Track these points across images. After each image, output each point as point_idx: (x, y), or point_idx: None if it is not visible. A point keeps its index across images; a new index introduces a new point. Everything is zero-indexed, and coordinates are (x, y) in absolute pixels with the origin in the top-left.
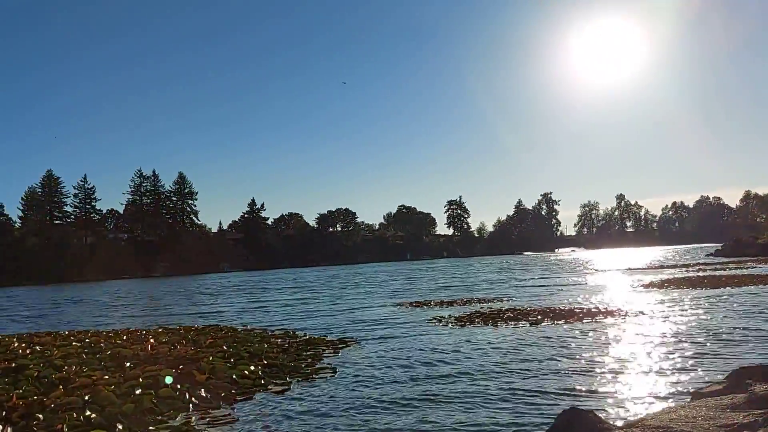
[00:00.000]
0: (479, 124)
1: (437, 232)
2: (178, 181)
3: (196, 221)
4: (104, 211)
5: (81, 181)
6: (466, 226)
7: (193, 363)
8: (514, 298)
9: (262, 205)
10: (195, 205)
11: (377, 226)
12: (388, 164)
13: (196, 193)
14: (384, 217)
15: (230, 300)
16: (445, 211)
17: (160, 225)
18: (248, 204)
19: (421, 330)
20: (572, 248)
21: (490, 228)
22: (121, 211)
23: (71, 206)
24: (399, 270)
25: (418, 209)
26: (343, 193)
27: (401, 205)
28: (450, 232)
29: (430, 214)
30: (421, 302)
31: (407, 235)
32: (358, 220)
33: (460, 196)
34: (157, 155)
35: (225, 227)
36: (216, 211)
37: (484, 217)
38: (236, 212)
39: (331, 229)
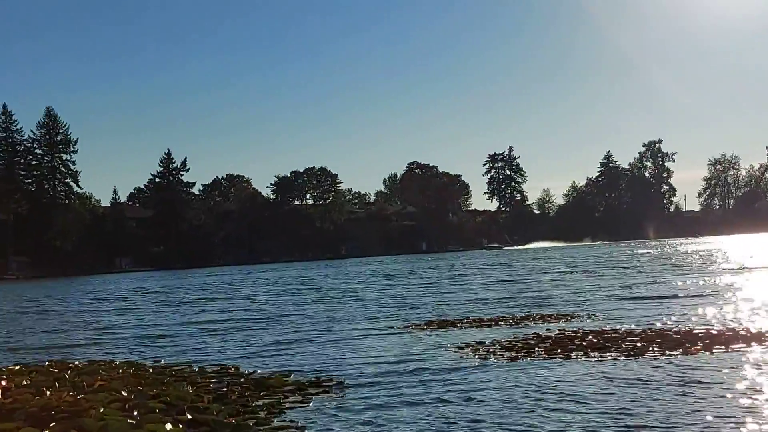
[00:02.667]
0: (540, 23)
1: (472, 207)
2: (45, 122)
3: (77, 189)
4: None
5: None
6: (519, 197)
7: (72, 418)
8: (597, 314)
9: (184, 163)
10: (74, 163)
11: (373, 197)
12: (389, 97)
13: (76, 142)
14: (384, 181)
15: (132, 318)
16: (486, 172)
17: (14, 195)
18: (161, 161)
19: (444, 365)
20: (696, 234)
21: (559, 199)
22: None
23: None
24: (409, 268)
25: (441, 168)
26: (315, 145)
27: (412, 163)
28: (493, 205)
29: (460, 176)
30: (446, 321)
31: (423, 212)
32: (342, 186)
33: (511, 148)
34: (15, 86)
35: (123, 199)
36: (109, 175)
37: (548, 181)
38: (141, 177)
39: (297, 202)
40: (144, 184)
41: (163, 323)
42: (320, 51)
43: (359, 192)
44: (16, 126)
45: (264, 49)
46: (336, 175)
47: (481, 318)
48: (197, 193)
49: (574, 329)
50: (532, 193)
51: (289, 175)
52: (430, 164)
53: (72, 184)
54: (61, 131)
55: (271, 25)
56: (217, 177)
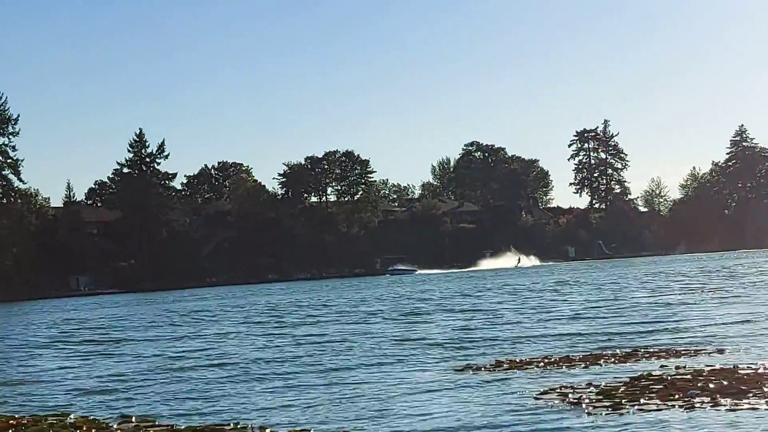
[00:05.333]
0: None
1: (552, 203)
2: None
3: (18, 184)
4: None
5: None
6: (619, 189)
7: None
8: (732, 346)
9: (161, 147)
10: (14, 149)
11: (417, 192)
12: (435, 58)
13: (17, 120)
14: (433, 170)
15: (85, 355)
16: (573, 156)
17: None
18: (130, 144)
19: (516, 419)
20: None
21: (675, 192)
22: None
23: None
24: (465, 287)
25: (510, 151)
26: (338, 123)
27: (471, 144)
28: (583, 200)
29: (537, 162)
30: (518, 360)
31: (486, 210)
32: (376, 177)
33: (606, 123)
34: None
35: (80, 197)
36: (61, 166)
37: (657, 167)
38: (104, 168)
39: (315, 199)
40: (108, 177)
41: (124, 367)
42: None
43: (399, 185)
44: None
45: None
46: (367, 161)
47: (568, 355)
48: (179, 188)
49: (698, 367)
50: (636, 184)
51: (303, 162)
52: (496, 145)
53: (12, 177)
54: None
55: None
56: (205, 166)
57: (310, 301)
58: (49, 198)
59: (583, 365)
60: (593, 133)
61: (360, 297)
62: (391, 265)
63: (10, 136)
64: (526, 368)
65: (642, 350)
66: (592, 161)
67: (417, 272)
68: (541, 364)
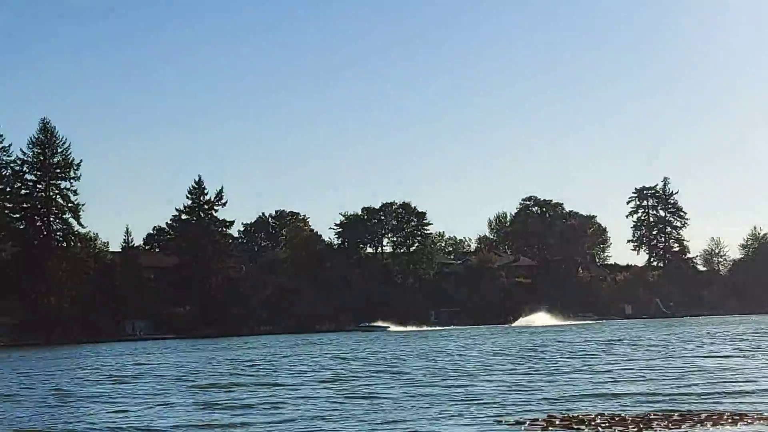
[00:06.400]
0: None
1: (609, 260)
2: (39, 138)
3: (78, 228)
4: None
5: None
6: (677, 248)
7: None
8: None
9: (219, 195)
10: (75, 193)
11: (473, 245)
12: (495, 110)
13: (79, 166)
14: (489, 223)
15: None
16: (631, 213)
17: None
18: (189, 191)
19: None
20: None
21: (735, 252)
22: None
23: None
24: (520, 341)
25: (568, 207)
26: (395, 175)
27: (528, 198)
28: (641, 258)
29: (594, 218)
30: (572, 417)
31: (543, 265)
32: (432, 229)
33: (666, 180)
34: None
35: (138, 242)
36: (120, 211)
37: (716, 226)
38: (162, 214)
39: (370, 249)
40: (166, 223)
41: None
42: (405, 54)
43: (455, 237)
44: (1, 142)
45: (331, 52)
46: (423, 213)
47: (622, 415)
48: (236, 235)
49: None
50: (695, 243)
51: (359, 213)
52: (554, 201)
53: (72, 221)
54: (59, 151)
55: (346, 24)
56: (262, 215)
57: (355, 354)
58: (107, 242)
59: (634, 428)
60: (652, 191)
61: (411, 350)
62: (365, 322)
63: (72, 181)
64: (579, 427)
65: (699, 414)
66: (651, 219)
67: (390, 329)
68: (593, 422)
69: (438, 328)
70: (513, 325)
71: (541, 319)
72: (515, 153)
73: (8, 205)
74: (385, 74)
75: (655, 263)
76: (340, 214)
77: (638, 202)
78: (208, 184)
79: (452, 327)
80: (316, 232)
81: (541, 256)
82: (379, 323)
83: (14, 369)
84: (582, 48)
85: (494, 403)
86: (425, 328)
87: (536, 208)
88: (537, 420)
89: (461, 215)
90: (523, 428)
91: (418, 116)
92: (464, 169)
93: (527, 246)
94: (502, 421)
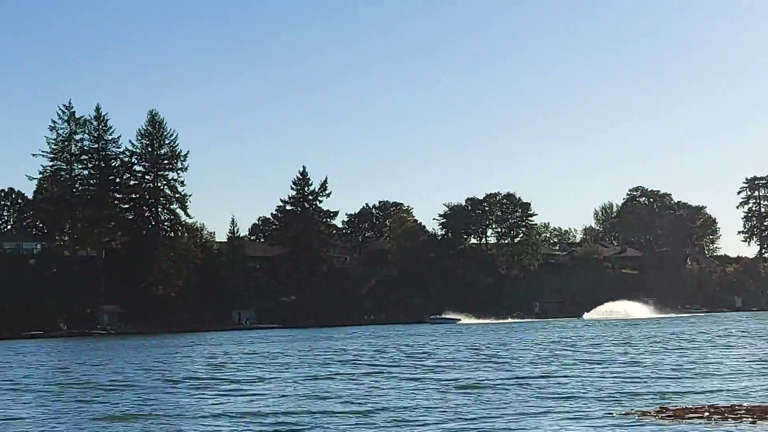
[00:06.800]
0: None
1: (719, 252)
2: (147, 130)
3: (185, 218)
4: None
5: None
6: None
7: None
8: None
9: (324, 185)
10: (182, 184)
11: (579, 236)
12: (602, 98)
13: (186, 157)
14: (596, 214)
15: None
16: (742, 203)
17: (106, 224)
18: (294, 182)
19: None
20: None
21: None
22: (30, 196)
23: None
24: (626, 334)
25: (676, 197)
26: (499, 166)
27: (636, 189)
28: (752, 249)
29: (703, 208)
30: (682, 408)
31: (651, 257)
32: (537, 220)
33: None
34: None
35: (243, 232)
36: (226, 201)
37: None
38: (267, 204)
39: (474, 240)
40: (271, 213)
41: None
42: (515, 46)
43: (560, 228)
44: (111, 134)
45: (432, 46)
46: (528, 204)
47: (735, 406)
48: (340, 226)
49: None
50: None
51: (464, 203)
52: (661, 191)
53: (179, 211)
54: (167, 142)
55: (442, 23)
56: (366, 206)
57: (462, 343)
58: (214, 233)
59: (750, 419)
60: (764, 181)
61: (516, 341)
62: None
63: (179, 172)
64: (691, 418)
65: None
66: (763, 209)
67: (460, 321)
68: (706, 413)
69: (515, 320)
70: (586, 317)
71: (629, 309)
72: (623, 143)
73: (118, 196)
74: (493, 67)
75: (766, 255)
76: (444, 204)
77: (749, 193)
78: (312, 174)
79: (530, 320)
80: (420, 223)
81: (649, 248)
82: (450, 315)
83: (124, 357)
84: (692, 36)
85: (601, 394)
86: (494, 321)
87: (644, 198)
88: (649, 412)
89: (567, 206)
90: (633, 419)
91: (523, 107)
92: (570, 159)
93: (634, 237)
94: (613, 414)
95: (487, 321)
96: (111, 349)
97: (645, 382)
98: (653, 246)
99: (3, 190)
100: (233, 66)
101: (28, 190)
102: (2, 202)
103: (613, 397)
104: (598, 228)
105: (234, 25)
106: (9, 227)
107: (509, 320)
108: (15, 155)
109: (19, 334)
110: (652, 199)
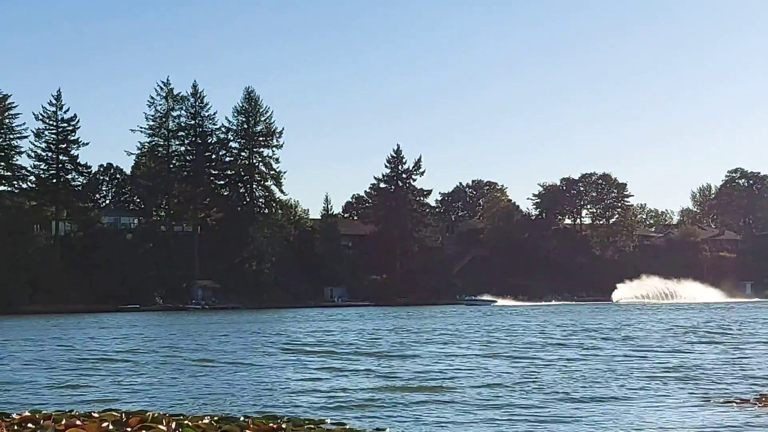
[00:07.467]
0: None
1: None
2: (243, 107)
3: (279, 195)
4: (90, 171)
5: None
6: None
7: None
8: None
9: (418, 164)
10: (277, 161)
11: (676, 218)
12: (701, 78)
13: (281, 134)
14: (693, 196)
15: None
16: None
17: (202, 200)
18: (387, 160)
19: None
20: None
21: None
22: (128, 170)
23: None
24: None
25: None
26: (594, 145)
27: (735, 171)
28: None
29: None
30: None
31: (750, 240)
32: (633, 201)
33: None
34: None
35: (337, 210)
36: (320, 179)
37: None
38: (361, 182)
39: (569, 221)
40: (365, 191)
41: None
42: (612, 20)
43: (656, 210)
44: (208, 111)
45: (530, 30)
46: (624, 185)
47: None
48: (433, 204)
49: None
50: None
51: (558, 183)
52: (762, 173)
53: (274, 188)
54: (262, 119)
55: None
56: (460, 184)
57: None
58: (308, 210)
59: None
60: None
61: (605, 323)
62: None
63: (274, 149)
64: None
65: None
66: None
67: (496, 303)
68: None
69: (554, 303)
70: (615, 300)
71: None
72: (722, 124)
73: (213, 172)
74: (588, 45)
75: None
76: (538, 184)
77: None
78: (406, 153)
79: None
80: (514, 203)
81: (748, 231)
82: (486, 297)
83: (213, 332)
84: None
85: (699, 380)
86: (532, 303)
87: (743, 180)
88: (748, 400)
89: (664, 187)
90: (731, 408)
91: (619, 86)
92: (667, 140)
93: (733, 220)
94: (710, 401)
95: (523, 303)
96: (267, 322)
97: (745, 368)
98: (752, 229)
99: (102, 166)
100: (330, 47)
101: (127, 165)
102: (101, 177)
103: (716, 381)
104: (695, 210)
105: (332, 7)
106: (107, 202)
107: (544, 303)
108: (114, 131)
109: (116, 307)
110: (752, 181)
